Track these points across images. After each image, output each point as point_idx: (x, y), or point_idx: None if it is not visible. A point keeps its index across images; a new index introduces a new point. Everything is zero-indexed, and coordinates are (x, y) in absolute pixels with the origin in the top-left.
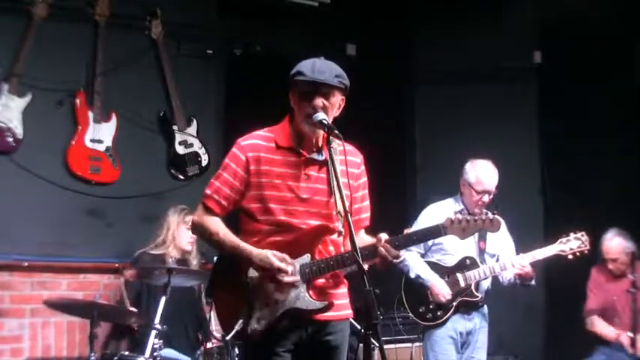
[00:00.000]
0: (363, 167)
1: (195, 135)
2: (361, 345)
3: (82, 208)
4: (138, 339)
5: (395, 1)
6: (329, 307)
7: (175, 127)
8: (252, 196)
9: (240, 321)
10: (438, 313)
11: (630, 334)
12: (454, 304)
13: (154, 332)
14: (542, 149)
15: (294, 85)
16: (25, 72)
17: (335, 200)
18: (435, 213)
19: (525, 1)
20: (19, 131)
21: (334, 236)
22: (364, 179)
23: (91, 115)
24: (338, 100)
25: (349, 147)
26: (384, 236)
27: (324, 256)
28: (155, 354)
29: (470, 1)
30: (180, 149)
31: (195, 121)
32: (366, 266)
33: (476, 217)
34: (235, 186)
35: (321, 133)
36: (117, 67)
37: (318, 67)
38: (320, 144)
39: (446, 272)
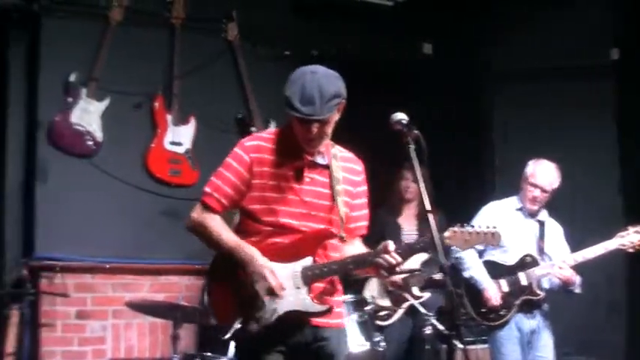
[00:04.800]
0: (363, 176)
1: None
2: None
3: (163, 210)
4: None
5: None
6: (329, 311)
7: (253, 129)
8: (254, 197)
9: (239, 321)
10: (501, 313)
11: None
12: (517, 302)
13: None
14: (622, 148)
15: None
16: (103, 76)
17: (337, 205)
18: (494, 209)
19: None
20: (98, 135)
21: (335, 241)
22: (364, 187)
23: (169, 118)
24: (335, 116)
25: (349, 154)
26: (391, 245)
27: (325, 261)
28: None
29: None
30: None
31: (273, 123)
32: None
33: (478, 230)
34: (237, 185)
35: None
36: (194, 70)
37: (308, 95)
38: (322, 148)
39: (507, 271)
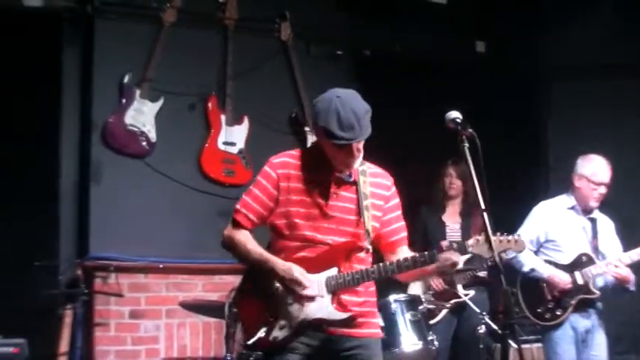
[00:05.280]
0: (393, 189)
1: None
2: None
3: (216, 210)
4: None
5: None
6: (352, 319)
7: (307, 129)
8: (280, 212)
9: (263, 329)
10: (557, 313)
11: None
12: (573, 302)
13: None
14: None
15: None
16: (156, 77)
17: (364, 219)
18: (545, 209)
19: None
20: (152, 135)
21: (362, 254)
22: (396, 200)
23: (223, 118)
24: None
25: (379, 170)
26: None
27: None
28: None
29: None
30: None
31: None
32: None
33: (501, 238)
34: (264, 202)
35: None
36: (247, 70)
37: (346, 121)
38: None
39: (562, 270)
